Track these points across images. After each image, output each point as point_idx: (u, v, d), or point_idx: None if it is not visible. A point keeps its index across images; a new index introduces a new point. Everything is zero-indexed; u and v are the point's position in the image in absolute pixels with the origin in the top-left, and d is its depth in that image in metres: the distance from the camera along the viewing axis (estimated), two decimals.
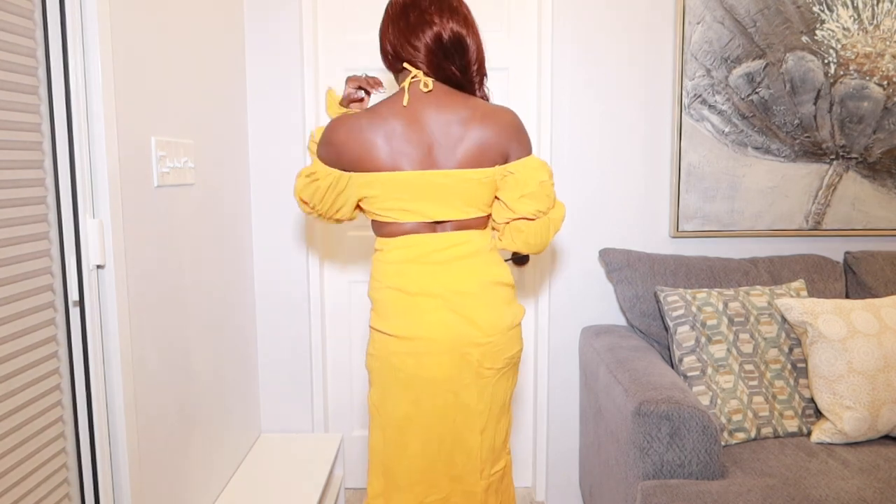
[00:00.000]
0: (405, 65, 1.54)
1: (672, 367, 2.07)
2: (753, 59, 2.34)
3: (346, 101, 1.67)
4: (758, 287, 2.12)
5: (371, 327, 1.61)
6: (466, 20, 1.54)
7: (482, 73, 1.60)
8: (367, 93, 1.69)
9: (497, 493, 1.65)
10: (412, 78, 1.53)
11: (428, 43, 1.51)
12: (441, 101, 1.52)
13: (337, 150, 1.55)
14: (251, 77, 2.44)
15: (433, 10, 1.51)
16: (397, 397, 1.56)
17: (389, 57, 1.58)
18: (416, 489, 1.58)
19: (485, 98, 1.62)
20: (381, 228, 1.59)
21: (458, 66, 1.54)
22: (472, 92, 1.58)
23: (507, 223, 1.59)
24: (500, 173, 1.54)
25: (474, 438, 1.56)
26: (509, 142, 1.54)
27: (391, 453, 1.58)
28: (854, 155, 2.39)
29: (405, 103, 1.51)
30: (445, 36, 1.51)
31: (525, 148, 1.57)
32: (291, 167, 2.47)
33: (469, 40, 1.54)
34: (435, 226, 1.56)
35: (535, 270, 2.50)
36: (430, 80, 1.51)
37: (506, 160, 1.55)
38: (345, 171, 1.56)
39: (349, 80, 1.66)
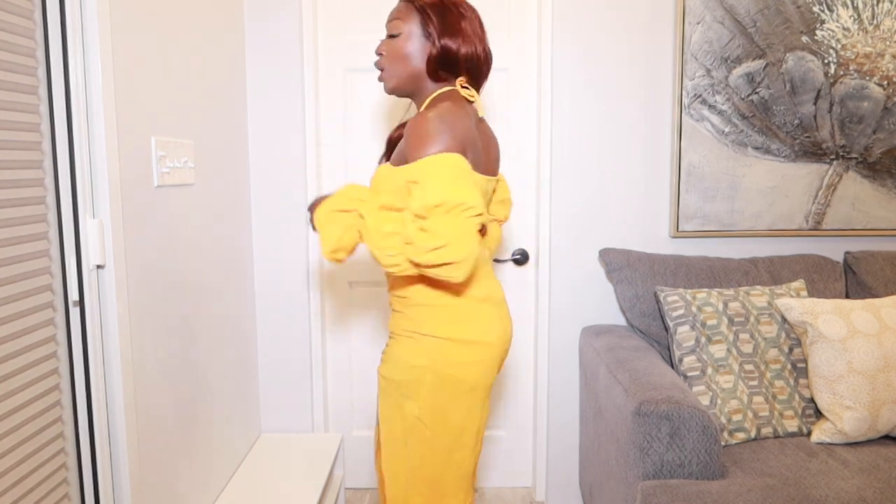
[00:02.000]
0: (459, 81, 1.51)
1: (672, 367, 2.07)
2: (753, 59, 2.34)
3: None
4: (758, 287, 2.12)
5: (431, 336, 1.46)
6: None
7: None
8: None
9: None
10: (463, 86, 1.52)
11: (479, 56, 1.51)
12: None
13: (463, 146, 1.40)
14: (251, 77, 2.43)
15: (480, 28, 1.52)
16: (450, 410, 1.46)
17: (435, 61, 1.48)
18: (460, 495, 1.53)
19: None
20: None
21: (479, 83, 1.58)
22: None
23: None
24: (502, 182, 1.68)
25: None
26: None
27: (439, 463, 1.48)
28: (854, 155, 2.39)
29: (480, 113, 1.55)
30: (484, 54, 1.53)
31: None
32: (291, 167, 2.47)
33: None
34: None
35: (536, 270, 2.50)
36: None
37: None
38: None
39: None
